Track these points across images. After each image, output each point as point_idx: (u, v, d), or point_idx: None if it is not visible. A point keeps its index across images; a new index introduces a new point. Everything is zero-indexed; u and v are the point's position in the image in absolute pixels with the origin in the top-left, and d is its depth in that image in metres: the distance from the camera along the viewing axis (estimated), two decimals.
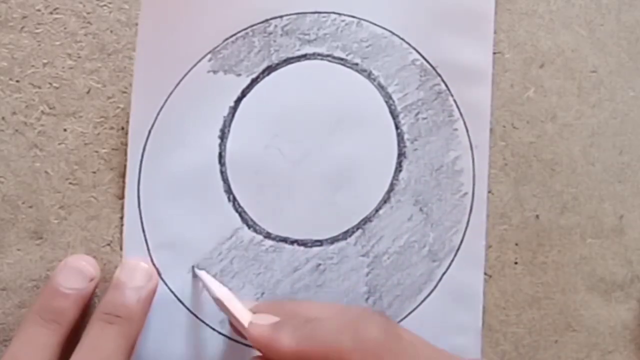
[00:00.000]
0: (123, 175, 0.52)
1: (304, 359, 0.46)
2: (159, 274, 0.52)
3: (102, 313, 0.49)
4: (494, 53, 0.56)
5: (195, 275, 0.53)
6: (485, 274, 0.56)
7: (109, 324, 0.49)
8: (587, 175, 0.58)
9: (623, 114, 0.58)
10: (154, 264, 0.52)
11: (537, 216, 0.57)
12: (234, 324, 0.51)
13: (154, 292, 0.51)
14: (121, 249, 0.52)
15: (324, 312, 0.49)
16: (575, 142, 0.57)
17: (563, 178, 0.57)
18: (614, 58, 0.58)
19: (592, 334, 0.59)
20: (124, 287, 0.50)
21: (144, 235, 0.52)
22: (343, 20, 0.54)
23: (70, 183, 0.52)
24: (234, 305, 0.50)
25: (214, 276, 0.53)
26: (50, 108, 0.51)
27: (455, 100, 0.55)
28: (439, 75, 0.55)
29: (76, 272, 0.50)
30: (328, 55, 0.54)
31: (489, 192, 0.56)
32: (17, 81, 0.51)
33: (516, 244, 0.57)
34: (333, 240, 0.54)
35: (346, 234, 0.54)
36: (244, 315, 0.49)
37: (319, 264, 0.54)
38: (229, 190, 0.53)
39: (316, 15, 0.53)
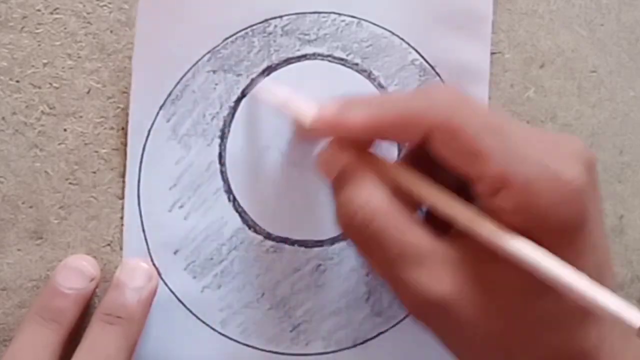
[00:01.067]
0: (123, 175, 0.52)
1: (380, 130, 0.44)
2: (159, 274, 0.52)
3: (102, 314, 0.49)
4: (494, 53, 0.56)
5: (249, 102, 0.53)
6: None
7: (109, 324, 0.49)
8: None
9: (623, 114, 0.58)
10: (154, 265, 0.52)
11: None
12: (298, 133, 0.51)
13: (154, 292, 0.51)
14: (121, 249, 0.52)
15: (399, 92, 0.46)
16: None
17: None
18: (614, 58, 0.58)
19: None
20: (124, 287, 0.50)
21: (144, 236, 0.52)
22: (343, 21, 0.54)
23: (70, 183, 0.52)
24: (299, 104, 0.48)
25: (215, 276, 0.53)
26: (50, 108, 0.51)
27: None
28: (438, 75, 0.55)
29: (76, 272, 0.50)
30: (328, 56, 0.54)
31: None
32: (17, 81, 0.51)
33: None
34: (333, 240, 0.54)
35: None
36: (310, 108, 0.47)
37: (320, 265, 0.54)
38: (229, 191, 0.53)
39: (316, 15, 0.53)
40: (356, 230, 0.44)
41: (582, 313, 0.42)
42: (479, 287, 0.42)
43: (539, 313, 0.42)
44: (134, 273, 0.51)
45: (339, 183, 0.45)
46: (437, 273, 0.42)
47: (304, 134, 0.52)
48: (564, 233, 0.41)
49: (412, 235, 0.43)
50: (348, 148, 0.45)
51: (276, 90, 0.51)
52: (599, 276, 0.41)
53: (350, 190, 0.44)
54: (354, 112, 0.44)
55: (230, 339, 0.54)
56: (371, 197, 0.43)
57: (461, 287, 0.42)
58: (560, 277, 0.39)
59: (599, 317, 0.42)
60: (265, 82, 0.52)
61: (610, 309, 0.38)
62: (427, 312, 0.43)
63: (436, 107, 0.42)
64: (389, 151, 0.53)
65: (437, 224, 0.45)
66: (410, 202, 0.45)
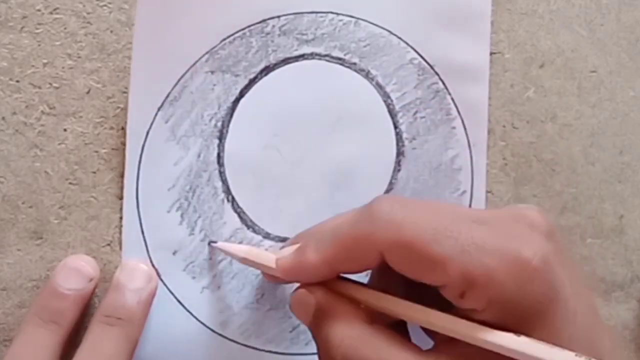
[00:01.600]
0: (123, 176, 0.52)
1: (337, 265, 0.44)
2: (159, 275, 0.52)
3: (102, 315, 0.49)
4: (494, 53, 0.56)
5: (211, 252, 0.53)
6: None
7: (109, 326, 0.49)
8: (587, 175, 0.58)
9: (623, 114, 0.58)
10: (153, 265, 0.52)
11: None
12: (268, 276, 0.50)
13: (154, 293, 0.51)
14: (121, 249, 0.52)
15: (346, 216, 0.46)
16: (575, 142, 0.57)
17: (563, 178, 0.57)
18: (614, 58, 0.58)
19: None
20: (124, 288, 0.50)
21: (143, 237, 0.52)
22: (341, 20, 0.54)
23: (70, 183, 0.52)
24: (259, 254, 0.49)
25: (214, 277, 0.53)
26: (50, 108, 0.51)
27: (453, 99, 0.55)
28: (437, 74, 0.55)
29: (75, 273, 0.50)
30: (326, 55, 0.54)
31: (489, 192, 0.56)
32: (17, 81, 0.51)
33: None
34: None
35: None
36: (270, 258, 0.48)
37: None
38: (227, 191, 0.53)
39: (314, 15, 0.53)
40: None
41: None
42: None
43: None
44: (133, 274, 0.51)
45: (315, 324, 0.45)
46: None
47: (273, 280, 0.51)
48: (538, 313, 0.40)
49: (396, 357, 0.42)
50: (317, 286, 0.45)
51: (233, 248, 0.51)
52: (590, 339, 0.41)
53: (327, 329, 0.44)
54: (308, 255, 0.45)
55: (230, 339, 0.54)
56: (348, 331, 0.43)
57: None
58: (542, 357, 0.38)
59: None
60: (221, 244, 0.52)
61: None
62: None
63: (381, 226, 0.42)
64: None
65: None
66: (391, 322, 0.45)
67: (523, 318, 0.40)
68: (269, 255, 0.48)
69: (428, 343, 0.44)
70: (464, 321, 0.41)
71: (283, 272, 0.46)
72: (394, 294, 0.44)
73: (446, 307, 0.42)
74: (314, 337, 0.45)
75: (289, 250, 0.46)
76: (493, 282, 0.39)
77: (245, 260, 0.50)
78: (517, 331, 0.40)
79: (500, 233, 0.41)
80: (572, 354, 0.38)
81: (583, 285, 0.44)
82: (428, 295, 0.43)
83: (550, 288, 0.40)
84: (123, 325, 0.49)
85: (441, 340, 0.43)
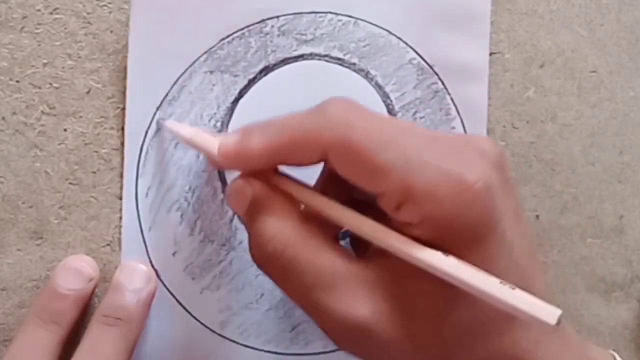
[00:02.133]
0: (123, 175, 0.52)
1: (279, 155, 0.44)
2: (158, 275, 0.52)
3: (101, 315, 0.49)
4: (494, 53, 0.56)
5: (158, 130, 0.52)
6: None
7: (108, 326, 0.49)
8: (587, 175, 0.58)
9: (623, 114, 0.58)
10: (152, 265, 0.52)
11: (537, 216, 0.57)
12: (212, 162, 0.49)
13: (153, 294, 0.51)
14: (120, 250, 0.52)
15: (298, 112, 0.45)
16: (575, 142, 0.57)
17: (563, 178, 0.57)
18: (614, 58, 0.58)
19: (592, 334, 0.58)
20: (123, 289, 0.50)
21: (143, 237, 0.52)
22: (340, 20, 0.54)
23: (70, 183, 0.52)
24: (205, 139, 0.47)
25: (214, 277, 0.53)
26: (50, 108, 0.51)
27: (452, 99, 0.55)
28: (436, 74, 0.55)
29: (75, 273, 0.50)
30: (325, 55, 0.54)
31: None
32: (17, 81, 0.51)
33: None
34: None
35: (345, 234, 0.54)
36: (214, 143, 0.46)
37: None
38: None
39: (313, 15, 0.53)
40: (269, 262, 0.43)
41: (507, 318, 0.41)
42: (398, 306, 0.41)
43: (460, 322, 0.41)
44: (133, 275, 0.51)
45: (249, 216, 0.44)
46: (354, 296, 0.41)
47: (215, 165, 0.51)
48: (473, 237, 0.40)
49: (326, 260, 0.42)
50: (255, 178, 0.45)
51: (181, 128, 0.50)
52: (522, 275, 0.41)
53: (260, 221, 0.43)
54: (252, 140, 0.44)
55: (230, 339, 0.54)
56: (281, 226, 0.43)
57: (380, 308, 0.41)
58: (469, 282, 0.38)
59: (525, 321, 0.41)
60: (170, 122, 0.52)
61: (522, 309, 0.37)
62: (349, 337, 0.42)
63: (330, 125, 0.42)
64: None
65: (361, 246, 0.45)
66: (325, 225, 0.44)
67: (458, 240, 0.40)
68: (214, 140, 0.46)
69: None
70: (396, 233, 0.41)
71: (224, 156, 0.45)
72: (334, 199, 0.44)
73: (382, 221, 0.42)
74: (247, 230, 0.45)
75: (234, 135, 0.45)
76: (431, 199, 0.39)
77: (190, 142, 0.48)
78: (449, 252, 0.39)
79: (448, 154, 0.41)
80: (497, 280, 0.38)
81: (524, 222, 0.44)
82: (367, 209, 0.43)
83: (488, 215, 0.40)
84: (122, 326, 0.49)
85: (372, 252, 0.43)
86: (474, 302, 0.39)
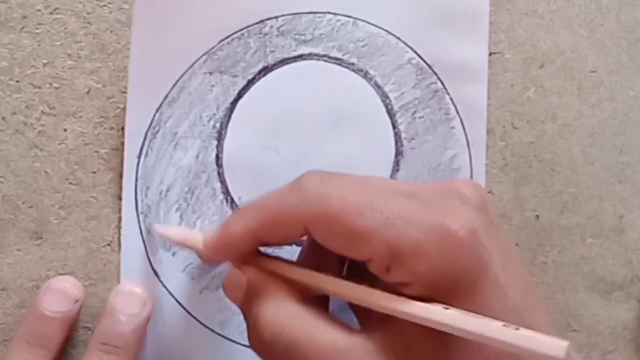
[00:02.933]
0: (123, 176, 0.52)
1: (260, 236, 0.44)
2: (157, 276, 0.52)
3: (98, 342, 0.49)
4: (494, 53, 0.56)
5: (148, 233, 0.53)
6: None
7: (106, 354, 0.49)
8: (587, 175, 0.57)
9: (623, 114, 0.58)
10: (152, 266, 0.52)
11: (537, 216, 0.57)
12: (204, 259, 0.50)
13: (148, 318, 0.51)
14: (119, 250, 0.52)
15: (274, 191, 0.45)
16: (575, 142, 0.57)
17: (563, 178, 0.57)
18: (614, 58, 0.58)
19: (592, 334, 0.58)
20: (119, 315, 0.50)
21: (142, 238, 0.52)
22: (339, 20, 0.54)
23: (70, 183, 0.52)
24: (192, 237, 0.48)
25: (213, 277, 0.53)
26: (50, 108, 0.51)
27: (451, 99, 0.55)
28: (435, 74, 0.55)
29: (60, 295, 0.50)
30: (324, 56, 0.54)
31: (489, 192, 0.56)
32: (17, 81, 0.51)
33: (516, 244, 0.57)
34: None
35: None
36: (199, 239, 0.47)
37: None
38: (226, 192, 0.53)
39: (312, 15, 0.53)
40: (268, 348, 0.42)
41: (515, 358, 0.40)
42: None
43: None
44: (128, 300, 0.51)
45: (246, 305, 0.45)
46: None
47: (207, 261, 0.51)
48: (466, 285, 0.40)
49: (326, 337, 0.41)
50: (249, 266, 0.45)
51: (169, 231, 0.51)
52: (520, 315, 0.40)
53: (255, 308, 0.43)
54: (231, 227, 0.44)
55: (230, 339, 0.54)
56: (276, 309, 0.43)
57: None
58: (474, 331, 0.38)
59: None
60: (158, 227, 0.52)
61: (529, 347, 0.36)
62: None
63: (307, 199, 0.42)
64: None
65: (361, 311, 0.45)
66: (320, 300, 0.44)
67: (452, 291, 0.40)
68: (200, 236, 0.47)
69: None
70: (393, 295, 0.40)
71: (209, 249, 0.46)
72: (325, 271, 0.44)
73: (376, 285, 0.41)
74: (245, 318, 0.45)
75: (217, 229, 0.46)
76: (419, 255, 0.39)
77: (180, 244, 0.49)
78: (446, 303, 0.39)
79: (428, 206, 0.41)
80: (500, 323, 0.37)
81: (516, 260, 0.43)
82: (359, 274, 0.43)
83: (477, 260, 0.40)
84: (120, 354, 0.49)
85: (375, 318, 0.42)
86: (479, 348, 0.39)
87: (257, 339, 0.43)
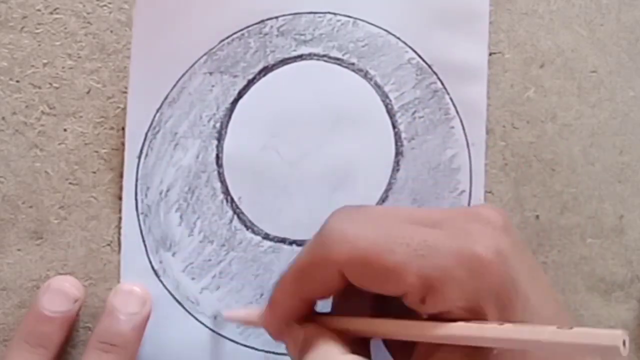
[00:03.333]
0: (123, 176, 0.52)
1: (303, 294, 0.45)
2: (157, 275, 0.52)
3: (97, 341, 0.49)
4: (494, 53, 0.56)
5: (216, 319, 0.54)
6: None
7: (105, 352, 0.49)
8: (587, 175, 0.57)
9: (623, 114, 0.58)
10: (152, 266, 0.52)
11: (537, 216, 0.57)
12: (270, 333, 0.51)
13: (147, 317, 0.51)
14: (119, 250, 0.52)
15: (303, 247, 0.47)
16: (575, 142, 0.57)
17: (563, 178, 0.57)
18: (614, 58, 0.58)
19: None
20: (118, 314, 0.50)
21: (142, 238, 0.52)
22: (339, 20, 0.54)
23: (70, 183, 0.52)
24: (257, 315, 0.50)
25: (213, 277, 0.53)
26: (50, 108, 0.51)
27: (451, 99, 0.55)
28: (435, 74, 0.55)
29: (60, 295, 0.50)
30: (324, 56, 0.54)
31: (489, 192, 0.56)
32: (17, 81, 0.51)
33: None
34: None
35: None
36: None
37: None
38: (226, 192, 0.53)
39: (312, 15, 0.53)
40: None
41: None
42: None
43: None
44: (128, 299, 0.51)
45: (300, 355, 0.45)
46: None
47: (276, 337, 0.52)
48: (500, 304, 0.40)
49: None
50: (308, 322, 0.46)
51: (237, 315, 0.52)
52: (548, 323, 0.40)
53: (308, 357, 0.44)
54: (274, 295, 0.46)
55: (230, 339, 0.54)
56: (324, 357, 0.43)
57: None
58: (536, 339, 0.38)
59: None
60: (227, 313, 0.53)
61: (589, 342, 0.36)
62: None
63: (334, 247, 0.42)
64: None
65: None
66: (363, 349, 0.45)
67: (486, 313, 0.40)
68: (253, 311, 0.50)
69: None
70: (444, 323, 0.41)
71: (265, 323, 0.47)
72: (362, 313, 0.45)
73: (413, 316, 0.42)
74: None
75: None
76: (450, 282, 0.40)
77: (249, 324, 0.52)
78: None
79: (453, 233, 0.41)
80: (553, 327, 0.38)
81: (543, 278, 0.44)
82: (399, 311, 0.43)
83: (507, 280, 0.41)
84: (118, 352, 0.49)
85: (417, 355, 0.43)
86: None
87: None
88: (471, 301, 0.40)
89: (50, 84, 0.51)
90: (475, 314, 0.40)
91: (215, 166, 0.53)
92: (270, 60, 0.53)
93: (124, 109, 0.52)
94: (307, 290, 0.45)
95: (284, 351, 0.53)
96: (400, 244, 0.41)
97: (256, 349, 0.54)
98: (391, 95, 0.54)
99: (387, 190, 0.54)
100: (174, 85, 0.52)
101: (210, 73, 0.52)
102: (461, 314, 0.40)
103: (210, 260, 0.53)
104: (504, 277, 0.40)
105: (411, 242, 0.41)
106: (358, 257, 0.41)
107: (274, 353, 0.54)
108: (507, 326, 0.39)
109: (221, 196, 0.53)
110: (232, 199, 0.53)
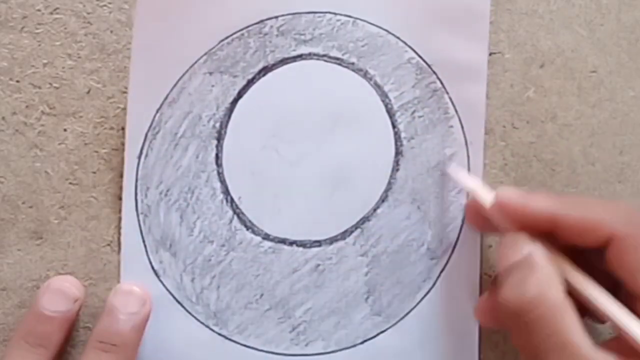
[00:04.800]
0: (123, 176, 0.52)
1: (559, 227, 0.45)
2: (157, 275, 0.52)
3: (97, 341, 0.49)
4: (494, 53, 0.56)
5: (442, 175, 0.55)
6: (485, 274, 0.56)
7: (104, 352, 0.49)
8: (587, 175, 0.57)
9: (623, 114, 0.58)
10: (152, 266, 0.52)
11: None
12: (472, 219, 0.53)
13: (147, 317, 0.51)
14: (119, 250, 0.52)
15: None
16: (575, 142, 0.57)
17: (563, 178, 0.57)
18: (614, 58, 0.58)
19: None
20: (118, 313, 0.50)
21: (142, 238, 0.52)
22: (339, 20, 0.54)
23: (70, 183, 0.52)
24: (484, 193, 0.51)
25: (213, 277, 0.53)
26: (50, 108, 0.51)
27: (450, 98, 0.55)
28: (435, 74, 0.55)
29: (60, 294, 0.50)
30: (324, 55, 0.54)
31: None
32: (17, 81, 0.51)
33: None
34: (332, 240, 0.54)
35: (345, 234, 0.54)
36: (489, 193, 0.50)
37: (318, 265, 0.54)
38: (226, 192, 0.53)
39: (311, 15, 0.53)
40: (522, 311, 0.43)
41: None
42: None
43: None
44: (127, 299, 0.51)
45: (519, 265, 0.45)
46: None
47: (479, 223, 0.53)
48: None
49: (576, 337, 0.42)
50: (539, 241, 0.46)
51: (466, 178, 0.54)
52: None
53: (530, 275, 0.44)
54: (537, 200, 0.46)
55: (230, 339, 0.54)
56: (547, 288, 0.44)
57: None
58: None
59: None
60: (454, 169, 0.54)
61: None
62: None
63: (617, 219, 0.43)
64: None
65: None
66: (578, 303, 0.45)
67: None
68: (487, 190, 0.51)
69: None
70: None
71: (504, 203, 0.48)
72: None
73: None
74: (503, 273, 0.46)
75: (513, 190, 0.48)
76: None
77: (471, 192, 0.53)
78: None
79: None
80: None
81: None
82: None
83: None
84: (118, 352, 0.49)
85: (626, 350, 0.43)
86: None
87: (514, 299, 0.44)
88: None
89: (50, 84, 0.51)
90: None
91: (215, 166, 0.53)
92: (270, 60, 0.53)
93: (124, 109, 0.52)
94: (564, 226, 0.46)
95: (284, 351, 0.54)
96: None
97: (256, 349, 0.54)
98: (391, 95, 0.54)
99: (386, 190, 0.54)
100: (174, 86, 0.52)
101: (210, 73, 0.52)
102: None
103: (210, 260, 0.53)
104: None
105: None
106: (632, 243, 0.43)
107: (274, 353, 0.54)
108: None
109: (221, 196, 0.53)
110: (231, 199, 0.53)
